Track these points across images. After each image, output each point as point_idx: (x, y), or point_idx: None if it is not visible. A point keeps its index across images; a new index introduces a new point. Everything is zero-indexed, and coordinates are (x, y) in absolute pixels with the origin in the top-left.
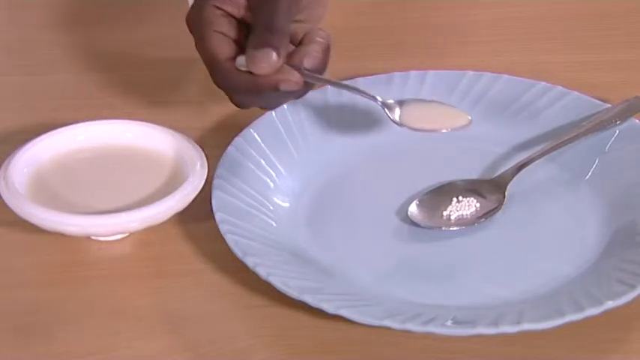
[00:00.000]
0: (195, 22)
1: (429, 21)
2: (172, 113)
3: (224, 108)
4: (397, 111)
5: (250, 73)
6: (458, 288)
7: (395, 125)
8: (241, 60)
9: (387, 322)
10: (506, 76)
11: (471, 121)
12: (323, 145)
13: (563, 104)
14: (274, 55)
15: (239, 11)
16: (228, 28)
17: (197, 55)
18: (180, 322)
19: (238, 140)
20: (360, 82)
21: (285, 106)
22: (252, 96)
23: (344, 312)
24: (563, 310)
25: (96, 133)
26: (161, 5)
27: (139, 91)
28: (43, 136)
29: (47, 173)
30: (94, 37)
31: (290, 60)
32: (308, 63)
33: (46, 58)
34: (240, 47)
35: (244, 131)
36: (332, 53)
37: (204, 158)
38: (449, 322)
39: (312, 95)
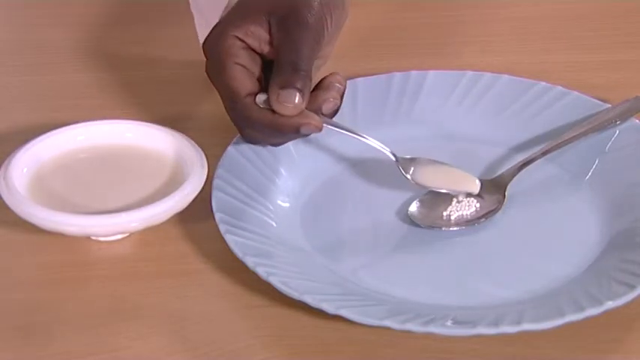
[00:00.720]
0: (215, 50)
1: (429, 21)
2: (172, 113)
3: (224, 108)
4: (411, 168)
5: (272, 111)
6: (458, 288)
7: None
8: (262, 97)
9: (387, 322)
10: (506, 76)
11: (480, 187)
12: (323, 145)
13: (563, 104)
14: (299, 96)
15: (260, 46)
16: (250, 62)
17: (197, 55)
18: (180, 322)
19: (238, 140)
20: (359, 82)
21: None
22: (268, 134)
23: (344, 312)
24: (563, 310)
25: (96, 133)
26: (162, 5)
27: (139, 91)
28: (43, 136)
29: (47, 173)
30: (94, 37)
31: (309, 104)
32: (326, 109)
33: (46, 58)
34: (259, 82)
35: None
36: (333, 53)
37: (204, 158)
38: (449, 322)
39: None
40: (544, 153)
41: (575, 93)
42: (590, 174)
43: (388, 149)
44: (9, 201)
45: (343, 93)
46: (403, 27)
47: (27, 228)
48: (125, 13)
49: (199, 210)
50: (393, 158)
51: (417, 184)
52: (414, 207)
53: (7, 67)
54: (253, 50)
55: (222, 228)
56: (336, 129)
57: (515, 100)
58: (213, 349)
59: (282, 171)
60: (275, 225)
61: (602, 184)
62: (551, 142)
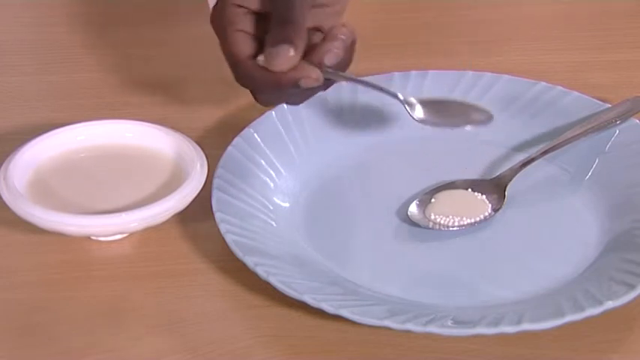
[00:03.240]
0: (218, 23)
1: (429, 21)
2: (172, 113)
3: (224, 108)
4: (418, 108)
5: (271, 70)
6: (458, 288)
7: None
8: (262, 57)
9: (387, 322)
10: (506, 76)
11: (491, 117)
12: (323, 145)
13: (563, 104)
14: (291, 50)
15: (258, 5)
16: (250, 25)
17: (197, 55)
18: (180, 322)
19: (238, 140)
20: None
21: (285, 106)
22: (275, 93)
23: (344, 312)
24: (563, 310)
25: (96, 133)
26: (163, 6)
27: (140, 90)
28: (43, 136)
29: (47, 173)
30: (94, 37)
31: (311, 56)
32: (329, 60)
33: (46, 58)
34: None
35: (244, 131)
36: None
37: (204, 158)
38: (449, 322)
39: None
40: (544, 153)
41: (575, 93)
42: (590, 174)
43: (396, 92)
44: (9, 201)
45: (351, 44)
46: (403, 27)
47: (27, 228)
48: (126, 13)
49: (199, 210)
50: (401, 97)
51: (428, 123)
52: (414, 207)
53: (7, 67)
54: (254, 12)
55: (222, 228)
56: (339, 79)
57: (515, 100)
58: (213, 349)
59: (282, 171)
60: (275, 225)
61: (602, 184)
62: (551, 142)
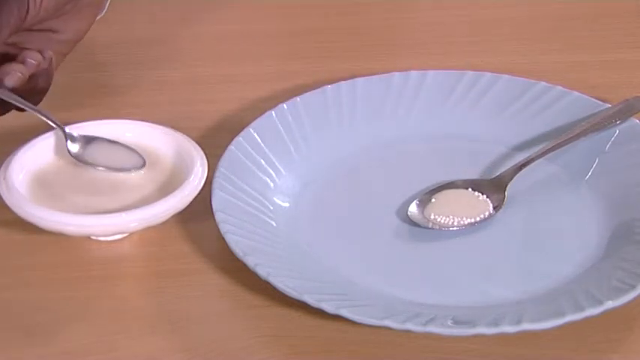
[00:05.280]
0: None
1: (428, 21)
2: (173, 113)
3: (224, 108)
4: (76, 146)
5: None
6: (458, 288)
7: (394, 125)
8: None
9: (387, 322)
10: (506, 76)
11: (144, 164)
12: (323, 145)
13: (563, 104)
14: None
15: None
16: None
17: (197, 55)
18: (180, 322)
19: (238, 140)
20: (359, 82)
21: (285, 106)
22: None
23: (344, 312)
24: (563, 310)
25: (96, 133)
26: (163, 6)
27: (140, 90)
28: (43, 136)
29: (47, 173)
30: (94, 37)
31: None
32: (9, 81)
33: None
34: None
35: (244, 131)
36: (332, 53)
37: (204, 158)
38: (449, 322)
39: (312, 95)
40: (544, 153)
41: (575, 93)
42: (590, 174)
43: (61, 126)
44: (9, 201)
45: (38, 71)
46: (403, 27)
47: (27, 228)
48: (126, 13)
49: (199, 210)
50: (65, 133)
51: (81, 160)
52: (413, 207)
53: None
54: None
55: (222, 228)
56: (13, 103)
57: (515, 100)
58: (213, 349)
59: (282, 171)
60: (275, 225)
61: (602, 183)
62: (551, 142)
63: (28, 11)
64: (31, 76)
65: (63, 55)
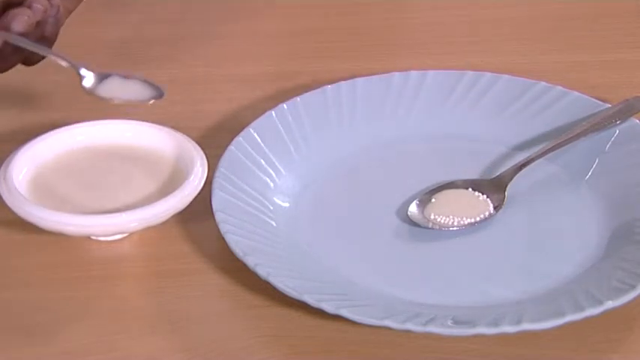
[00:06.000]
0: None
1: (428, 21)
2: (173, 113)
3: (224, 108)
4: (91, 80)
5: None
6: (458, 288)
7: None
8: None
9: (387, 322)
10: (506, 76)
11: (162, 94)
12: (323, 145)
13: (563, 104)
14: None
15: None
16: None
17: (197, 55)
18: (180, 322)
19: (238, 140)
20: (359, 82)
21: (285, 106)
22: None
23: (344, 312)
24: (563, 310)
25: (96, 133)
26: (162, 5)
27: None
28: (43, 136)
29: (47, 173)
30: (94, 37)
31: (2, 20)
32: (16, 26)
33: (46, 58)
34: None
35: (244, 131)
36: (332, 53)
37: (204, 158)
38: (449, 322)
39: (312, 95)
40: (544, 153)
41: (575, 93)
42: (590, 174)
43: (74, 62)
44: (9, 201)
45: (51, 16)
46: (403, 27)
47: (27, 228)
48: (126, 13)
49: (199, 210)
50: (80, 71)
51: (96, 95)
52: (413, 207)
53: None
54: None
55: (222, 228)
56: (25, 46)
57: (515, 100)
58: (213, 349)
59: (282, 171)
60: (275, 225)
61: (602, 184)
62: (551, 142)
63: None
64: (38, 24)
65: (68, 12)
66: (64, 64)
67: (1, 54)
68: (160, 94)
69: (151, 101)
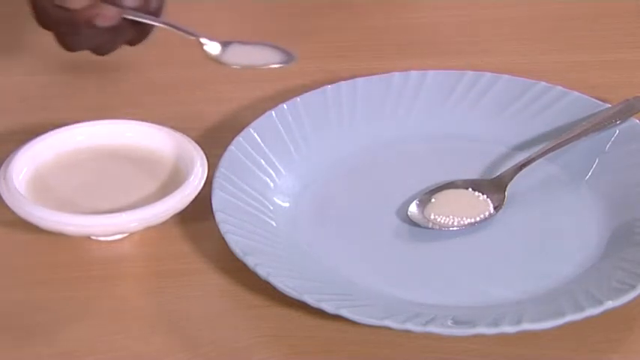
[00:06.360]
0: None
1: (428, 21)
2: (172, 113)
3: (224, 108)
4: (217, 48)
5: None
6: (458, 288)
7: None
8: None
9: (387, 322)
10: (506, 76)
11: (293, 58)
12: (323, 145)
13: (563, 104)
14: None
15: None
16: None
17: (197, 56)
18: (180, 322)
19: (238, 140)
20: (360, 82)
21: (285, 106)
22: (72, 33)
23: (344, 312)
24: (563, 310)
25: (96, 133)
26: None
27: (140, 91)
28: (42, 136)
29: (47, 173)
30: None
31: None
32: (128, 1)
33: (46, 58)
34: None
35: (244, 131)
36: (333, 53)
37: (204, 158)
38: (449, 322)
39: (312, 95)
40: (544, 153)
41: (575, 93)
42: (590, 174)
43: (201, 38)
44: (9, 201)
45: None
46: (403, 27)
47: (27, 228)
48: None
49: (199, 210)
50: (201, 40)
51: (226, 63)
52: (413, 207)
53: (7, 67)
54: None
55: (222, 228)
56: (140, 19)
57: (515, 100)
58: (213, 349)
59: (282, 171)
60: (275, 225)
61: (602, 184)
62: (551, 142)
63: None
64: None
65: None
66: (184, 34)
67: (118, 30)
68: (290, 58)
69: (280, 65)
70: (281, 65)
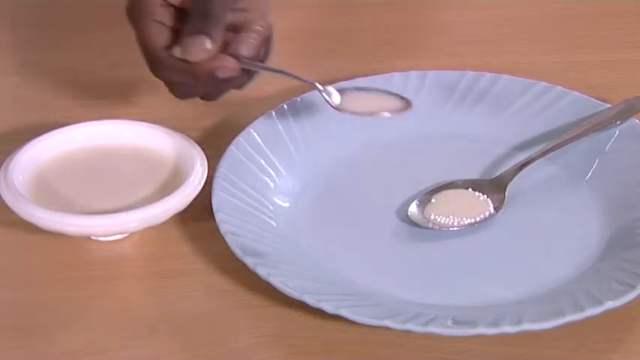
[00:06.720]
0: (134, 11)
1: (428, 21)
2: (172, 113)
3: (224, 108)
4: (337, 97)
5: (187, 61)
6: (458, 288)
7: (394, 125)
8: (178, 49)
9: (387, 322)
10: (506, 76)
11: (410, 105)
12: (323, 145)
13: (563, 104)
14: (208, 41)
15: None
16: (167, 18)
17: None
18: (180, 322)
19: (238, 140)
20: (360, 83)
21: (285, 106)
22: (192, 85)
23: (344, 312)
24: (563, 310)
25: (96, 133)
26: None
27: (139, 91)
28: (43, 136)
29: (47, 173)
30: (94, 37)
31: (227, 48)
32: (244, 50)
33: (46, 58)
34: (179, 36)
35: (244, 131)
36: (332, 53)
37: (204, 158)
38: (449, 322)
39: (312, 95)
40: (544, 153)
41: (575, 93)
42: (590, 174)
43: (317, 84)
44: (9, 201)
45: (267, 38)
46: (403, 27)
47: (27, 228)
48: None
49: (199, 210)
50: (320, 88)
51: (346, 111)
52: (414, 207)
53: (7, 66)
54: (172, 5)
55: (222, 228)
56: (257, 69)
57: (515, 100)
58: (213, 349)
59: (282, 171)
60: (275, 225)
61: (602, 184)
62: (551, 142)
63: None
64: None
65: None
66: (302, 81)
67: (233, 78)
68: (406, 105)
69: (403, 112)
70: (399, 114)
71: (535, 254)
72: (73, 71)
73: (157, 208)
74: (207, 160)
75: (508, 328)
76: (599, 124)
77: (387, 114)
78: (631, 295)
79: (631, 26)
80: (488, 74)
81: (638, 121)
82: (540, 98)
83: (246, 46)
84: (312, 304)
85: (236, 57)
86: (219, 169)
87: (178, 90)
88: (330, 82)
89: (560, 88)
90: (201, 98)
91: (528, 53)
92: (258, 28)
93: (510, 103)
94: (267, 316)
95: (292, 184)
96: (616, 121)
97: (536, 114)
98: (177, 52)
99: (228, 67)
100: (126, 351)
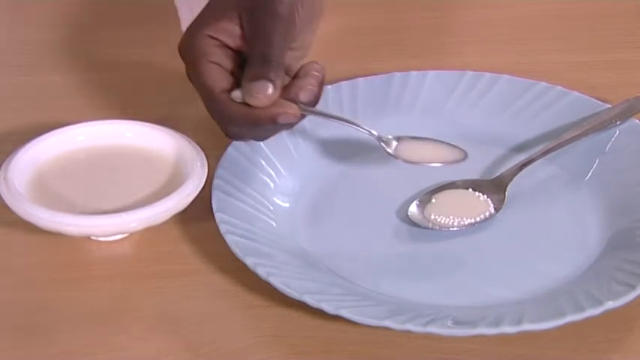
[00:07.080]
0: (189, 51)
1: (428, 21)
2: (172, 113)
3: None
4: (394, 144)
5: (247, 105)
6: (458, 288)
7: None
8: (237, 93)
9: (387, 322)
10: (506, 76)
11: (466, 156)
12: (323, 144)
13: (563, 104)
14: (270, 87)
15: (234, 41)
16: (224, 59)
17: None
18: (180, 322)
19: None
20: (360, 83)
21: None
22: (249, 128)
23: (344, 312)
24: (563, 310)
25: (96, 133)
26: (162, 7)
27: (139, 91)
28: (43, 136)
29: (47, 173)
30: (94, 37)
31: (286, 93)
32: (304, 96)
33: (46, 58)
34: (235, 78)
35: None
36: (333, 53)
37: (204, 158)
38: (449, 322)
39: None
40: (544, 153)
41: (575, 93)
42: (590, 174)
43: (373, 131)
44: (9, 201)
45: (322, 81)
46: (403, 27)
47: (27, 228)
48: (126, 13)
49: (199, 210)
50: (375, 134)
51: (403, 160)
52: (414, 207)
53: (7, 66)
54: (228, 47)
55: (222, 228)
56: (316, 116)
57: (516, 100)
58: (213, 349)
59: (282, 171)
60: (275, 225)
61: (602, 184)
62: (551, 142)
63: (295, 27)
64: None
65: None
66: (363, 131)
67: (293, 124)
68: (462, 156)
69: (460, 162)
70: (454, 164)
71: (535, 254)
72: (73, 71)
73: (157, 208)
74: (207, 160)
75: (508, 329)
76: (599, 124)
77: (441, 164)
78: (631, 295)
79: (631, 26)
80: (488, 74)
81: (638, 121)
82: (540, 98)
83: (306, 93)
84: (312, 304)
85: (294, 102)
86: (219, 169)
87: (232, 132)
88: (330, 82)
89: (560, 88)
90: (252, 139)
91: (528, 53)
92: (316, 73)
93: (510, 103)
94: (267, 316)
95: (292, 184)
96: (616, 121)
97: (536, 114)
98: (236, 96)
99: (290, 113)
100: (126, 351)
